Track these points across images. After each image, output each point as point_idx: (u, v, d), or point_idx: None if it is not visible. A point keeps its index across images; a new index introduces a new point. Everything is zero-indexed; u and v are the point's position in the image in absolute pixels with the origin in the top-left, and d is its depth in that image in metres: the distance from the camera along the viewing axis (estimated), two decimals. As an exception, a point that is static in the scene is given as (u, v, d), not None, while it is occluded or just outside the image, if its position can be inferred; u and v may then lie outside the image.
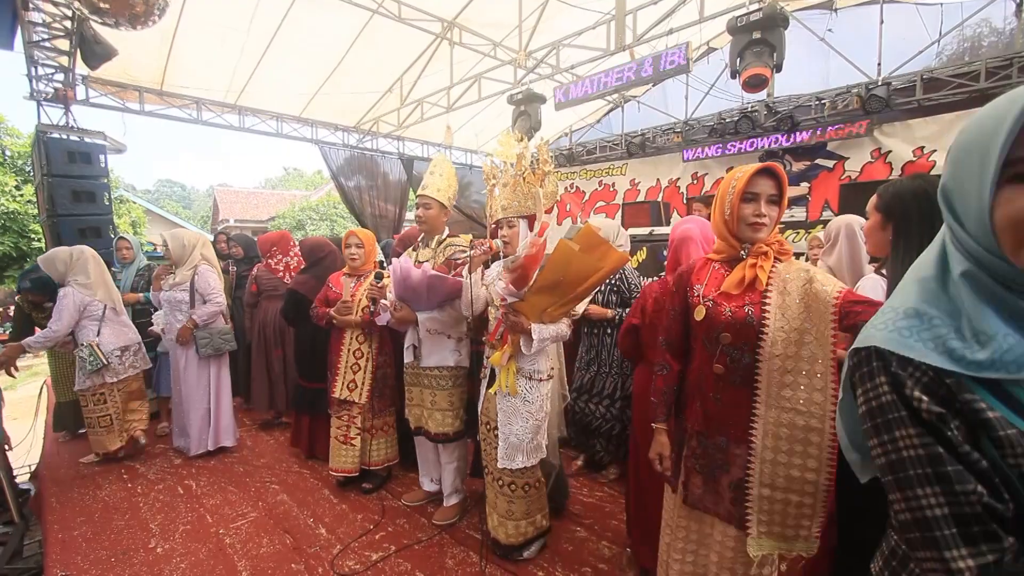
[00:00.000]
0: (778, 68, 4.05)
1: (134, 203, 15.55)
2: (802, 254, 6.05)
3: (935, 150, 5.50)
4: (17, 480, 3.21)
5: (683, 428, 1.59)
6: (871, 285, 1.48)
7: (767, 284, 1.39)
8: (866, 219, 1.64)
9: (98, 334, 3.28)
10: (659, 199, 7.62)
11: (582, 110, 8.35)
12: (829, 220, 3.16)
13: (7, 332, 3.53)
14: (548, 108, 6.10)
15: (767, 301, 1.37)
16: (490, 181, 2.29)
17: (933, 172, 5.12)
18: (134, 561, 2.34)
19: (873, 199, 1.55)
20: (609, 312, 2.89)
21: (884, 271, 1.49)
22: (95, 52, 4.55)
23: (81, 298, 3.23)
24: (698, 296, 1.52)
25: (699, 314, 1.50)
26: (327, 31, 5.92)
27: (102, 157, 5.16)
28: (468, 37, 6.27)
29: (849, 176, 6.09)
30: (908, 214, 1.42)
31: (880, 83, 5.54)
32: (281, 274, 4.00)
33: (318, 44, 6.09)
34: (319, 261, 3.43)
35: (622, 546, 2.40)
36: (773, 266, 1.41)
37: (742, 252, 1.48)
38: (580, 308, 2.99)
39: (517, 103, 6.08)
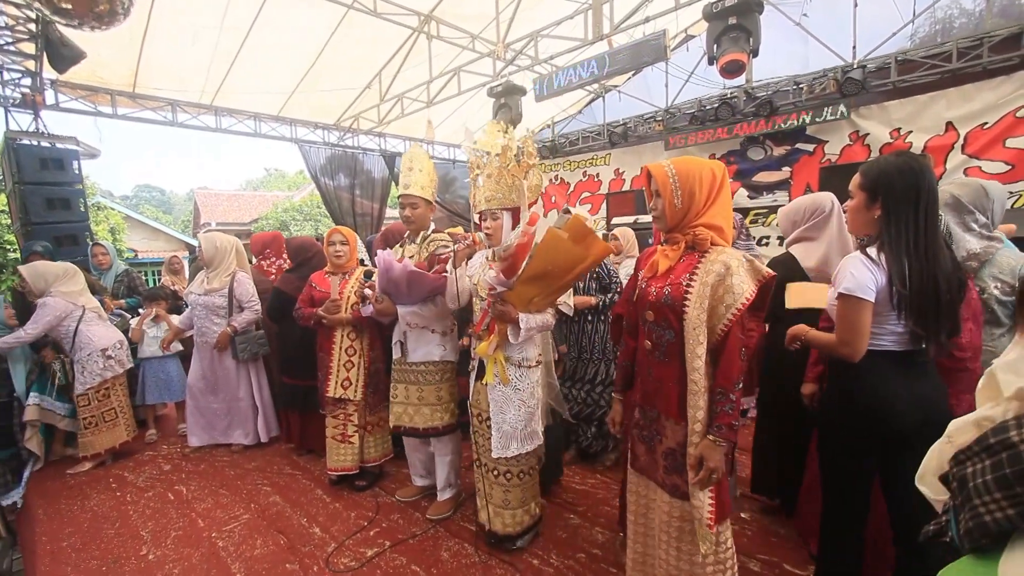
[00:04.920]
0: (754, 53, 4.07)
1: (112, 209, 15.23)
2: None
3: (911, 131, 5.59)
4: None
5: (631, 400, 1.73)
6: (857, 264, 1.46)
7: (694, 270, 1.49)
8: (846, 199, 1.66)
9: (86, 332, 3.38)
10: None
11: (563, 101, 8.32)
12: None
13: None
14: (529, 100, 6.08)
15: (690, 287, 1.47)
16: (474, 171, 2.29)
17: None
18: (126, 569, 2.32)
19: (856, 178, 1.56)
20: (592, 300, 2.92)
21: (869, 250, 1.47)
22: (62, 55, 4.43)
23: (64, 307, 3.29)
24: (640, 279, 1.66)
25: (635, 295, 1.66)
26: (302, 27, 5.82)
27: (75, 163, 5.05)
28: (445, 30, 6.21)
29: (829, 159, 6.16)
30: (895, 191, 1.44)
31: (855, 66, 5.60)
32: (273, 276, 3.96)
33: (294, 41, 5.99)
34: (306, 261, 3.41)
35: (616, 531, 2.43)
36: (702, 255, 1.51)
37: (663, 241, 1.63)
38: (570, 304, 3.00)
39: (497, 96, 6.05)
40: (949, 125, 5.36)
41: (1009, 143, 5.03)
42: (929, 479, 0.93)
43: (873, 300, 1.43)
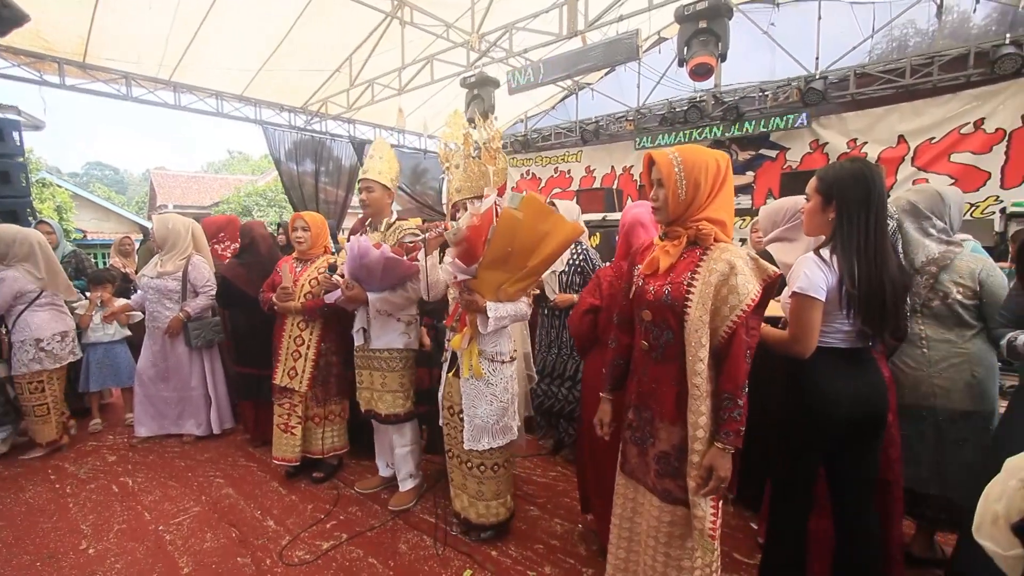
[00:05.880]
0: (723, 57, 4.17)
1: (59, 187, 14.36)
2: (745, 240, 6.34)
3: (867, 142, 5.86)
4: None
5: (625, 400, 1.67)
6: (810, 264, 1.52)
7: (696, 269, 1.41)
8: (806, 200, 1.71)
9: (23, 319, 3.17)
10: (614, 186, 7.75)
11: (537, 96, 8.33)
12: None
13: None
14: (502, 93, 6.06)
15: (692, 286, 1.40)
16: (444, 164, 2.29)
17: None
18: (63, 564, 2.20)
19: (813, 182, 1.61)
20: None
21: (821, 251, 1.53)
22: (2, 16, 4.12)
23: (22, 284, 3.13)
24: (636, 275, 1.59)
25: (631, 293, 1.59)
26: (270, 3, 5.61)
27: (16, 134, 4.71)
28: (419, 17, 6.10)
29: (790, 165, 6.39)
30: (848, 196, 1.50)
31: (818, 76, 5.81)
32: (228, 260, 3.83)
33: (260, 16, 5.76)
34: (246, 247, 3.36)
35: (574, 523, 2.47)
36: (704, 252, 1.43)
37: (660, 235, 1.55)
38: (550, 292, 3.00)
39: (470, 86, 6.00)
40: (901, 138, 5.64)
41: (954, 158, 5.34)
42: (990, 530, 0.74)
43: (824, 299, 1.48)
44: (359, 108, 7.58)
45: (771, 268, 1.39)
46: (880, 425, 1.58)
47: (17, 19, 3.94)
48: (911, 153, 5.58)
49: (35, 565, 2.20)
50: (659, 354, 1.50)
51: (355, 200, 9.09)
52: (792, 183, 4.90)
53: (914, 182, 5.46)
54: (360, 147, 8.48)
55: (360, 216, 3.45)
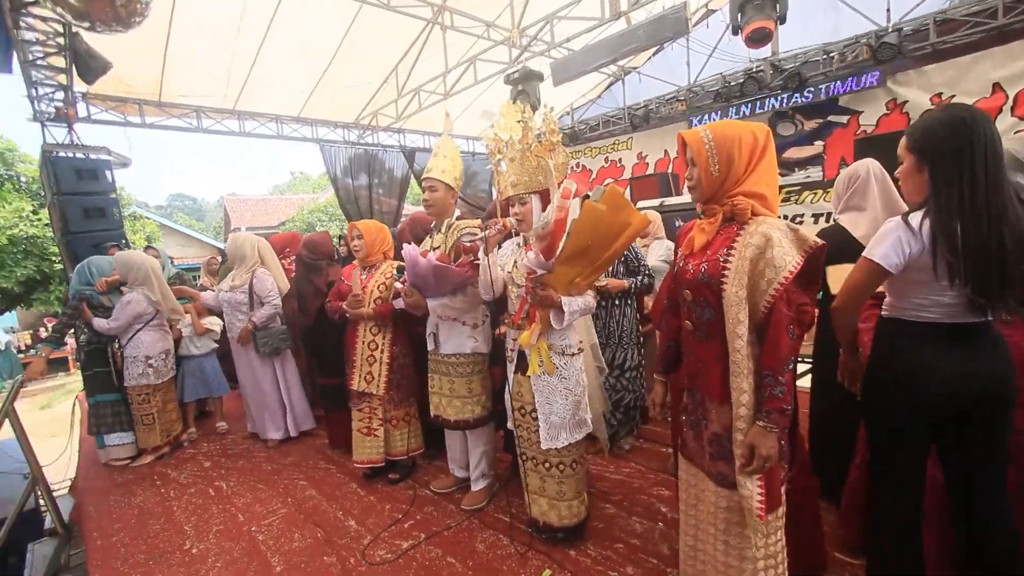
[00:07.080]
0: (782, 20, 3.89)
1: (147, 219, 15.80)
2: (821, 215, 5.90)
3: (954, 95, 5.27)
4: (57, 493, 3.29)
5: (680, 383, 1.65)
6: (890, 231, 1.36)
7: (732, 244, 1.38)
8: (898, 164, 1.53)
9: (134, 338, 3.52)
10: (668, 170, 7.46)
11: (582, 86, 8.18)
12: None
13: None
14: (546, 87, 5.99)
15: (728, 262, 1.37)
16: (495, 156, 2.21)
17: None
18: (171, 562, 2.39)
19: (903, 141, 1.43)
20: (625, 283, 2.84)
21: (911, 217, 1.33)
22: (90, 66, 4.56)
23: (145, 307, 3.50)
24: (678, 256, 1.58)
25: (674, 273, 1.59)
26: (317, 26, 5.86)
27: (108, 172, 5.22)
28: (459, 20, 6.14)
29: (865, 130, 5.87)
30: (942, 148, 1.30)
31: (890, 30, 5.30)
32: (294, 274, 4.02)
33: (309, 41, 6.05)
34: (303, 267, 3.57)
35: (654, 521, 2.37)
36: (741, 227, 1.39)
37: (700, 214, 1.52)
38: (601, 282, 2.94)
39: (515, 83, 5.98)
40: (996, 86, 5.03)
41: (1065, 102, 4.69)
42: None
43: (893, 272, 1.34)
44: (408, 117, 7.77)
45: (813, 239, 1.32)
46: (1003, 405, 1.37)
47: (103, 67, 4.34)
48: (1010, 102, 4.96)
49: (148, 563, 2.40)
50: (703, 333, 1.47)
51: (408, 208, 9.34)
52: (869, 149, 4.49)
53: (1016, 133, 4.85)
54: (411, 155, 8.69)
55: (404, 220, 3.50)
